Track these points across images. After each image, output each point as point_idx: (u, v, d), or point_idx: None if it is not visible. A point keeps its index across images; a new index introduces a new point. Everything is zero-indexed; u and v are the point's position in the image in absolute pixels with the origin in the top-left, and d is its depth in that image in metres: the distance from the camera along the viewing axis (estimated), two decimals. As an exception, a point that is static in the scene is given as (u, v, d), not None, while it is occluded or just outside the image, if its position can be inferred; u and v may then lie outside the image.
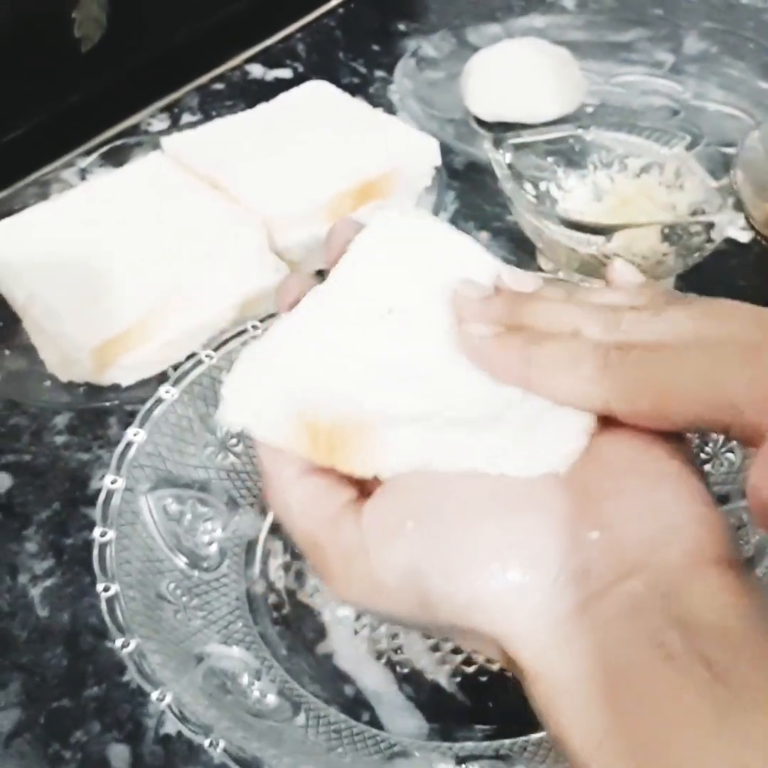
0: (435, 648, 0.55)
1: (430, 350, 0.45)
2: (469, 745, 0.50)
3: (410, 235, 0.51)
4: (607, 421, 0.41)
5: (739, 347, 0.39)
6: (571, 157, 0.79)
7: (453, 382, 0.44)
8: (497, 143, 0.76)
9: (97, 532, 0.51)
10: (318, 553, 0.42)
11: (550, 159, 0.79)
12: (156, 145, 0.84)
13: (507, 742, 0.49)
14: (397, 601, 0.40)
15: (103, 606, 0.48)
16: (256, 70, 1.08)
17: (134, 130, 0.99)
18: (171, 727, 0.54)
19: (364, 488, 0.42)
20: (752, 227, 0.70)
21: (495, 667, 0.54)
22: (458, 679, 0.54)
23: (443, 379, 0.44)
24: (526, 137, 0.78)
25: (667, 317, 0.42)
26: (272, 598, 0.58)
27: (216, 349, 0.59)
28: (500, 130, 0.88)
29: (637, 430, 0.41)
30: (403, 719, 0.52)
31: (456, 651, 0.55)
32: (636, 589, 0.36)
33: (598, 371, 0.41)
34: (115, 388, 0.69)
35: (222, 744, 0.43)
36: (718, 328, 0.40)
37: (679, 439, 0.42)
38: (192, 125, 0.88)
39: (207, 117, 0.98)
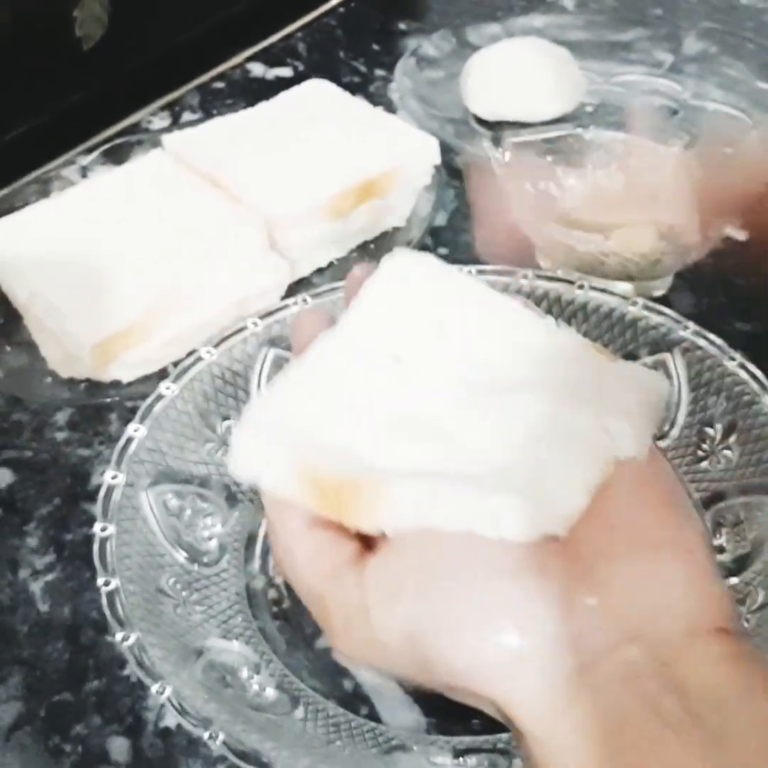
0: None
1: (437, 400, 0.46)
2: (467, 739, 0.50)
3: (419, 280, 0.51)
4: (612, 479, 0.42)
5: None
6: (570, 156, 0.79)
7: (458, 434, 0.44)
8: (497, 142, 0.77)
9: (97, 527, 0.51)
10: (320, 608, 0.42)
11: (549, 158, 0.79)
12: (157, 144, 0.84)
13: (504, 736, 0.49)
14: (397, 661, 0.40)
15: (104, 600, 0.48)
16: (257, 69, 1.08)
17: (135, 128, 0.99)
18: (171, 720, 0.54)
19: (369, 541, 0.43)
20: (751, 225, 0.70)
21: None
22: (456, 673, 0.54)
23: (448, 431, 0.44)
24: (526, 136, 0.78)
25: None
26: (272, 593, 0.58)
27: (216, 346, 0.60)
28: (500, 129, 0.89)
29: (644, 491, 0.42)
30: (401, 713, 0.52)
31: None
32: (633, 657, 0.36)
33: None
34: (116, 384, 0.70)
35: (221, 736, 0.44)
36: None
37: (686, 503, 0.43)
38: (192, 124, 0.88)
39: (208, 115, 0.98)
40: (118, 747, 0.54)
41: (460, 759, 0.49)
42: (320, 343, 0.48)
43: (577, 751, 0.35)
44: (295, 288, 0.76)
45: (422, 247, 0.81)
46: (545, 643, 0.37)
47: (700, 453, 0.59)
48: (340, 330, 0.49)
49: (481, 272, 0.63)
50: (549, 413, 0.44)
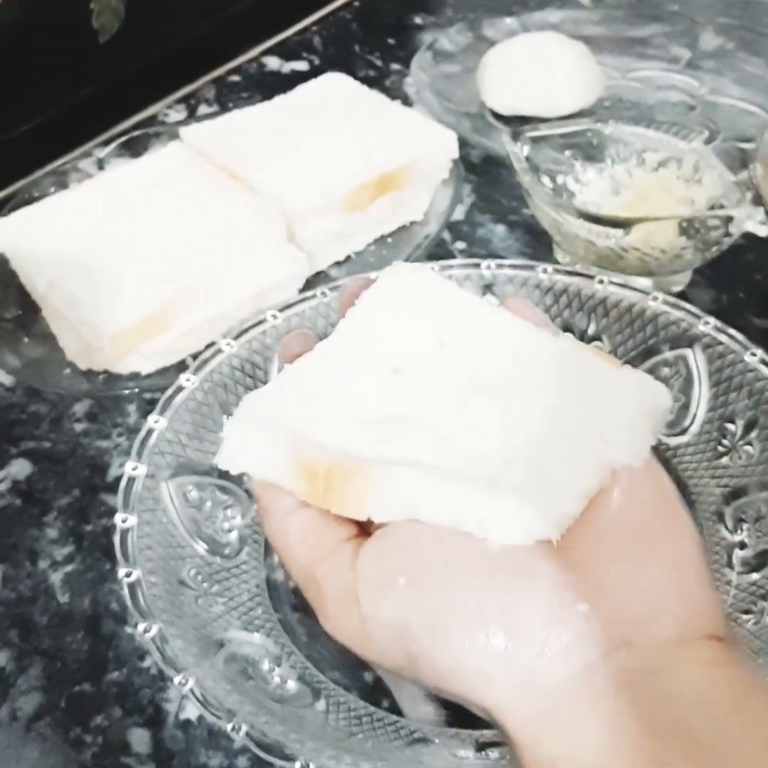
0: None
1: (432, 403, 0.45)
2: (489, 732, 0.50)
3: (418, 292, 0.51)
4: (607, 486, 0.41)
5: None
6: (589, 150, 0.79)
7: (452, 435, 0.43)
8: (515, 136, 0.76)
9: (118, 518, 0.51)
10: (313, 589, 0.42)
11: (568, 152, 0.79)
12: (174, 136, 0.84)
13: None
14: (385, 655, 0.40)
15: (126, 591, 0.48)
16: (273, 63, 1.08)
17: (151, 121, 0.99)
18: (191, 711, 0.54)
19: (362, 527, 0.42)
20: (772, 222, 0.70)
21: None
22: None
23: (443, 432, 0.44)
24: (545, 130, 0.78)
25: None
26: (292, 586, 0.58)
27: (235, 338, 0.59)
28: (516, 123, 0.89)
29: (638, 499, 0.41)
30: (421, 705, 0.52)
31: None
32: (624, 665, 0.36)
33: None
34: (134, 376, 0.70)
35: (244, 728, 0.44)
36: None
37: (680, 512, 0.42)
38: (209, 117, 0.89)
39: (224, 109, 0.98)
40: (139, 738, 0.54)
41: (483, 752, 0.48)
42: (315, 350, 0.48)
43: (569, 760, 0.35)
44: (312, 281, 0.76)
45: (440, 241, 0.81)
46: (533, 649, 0.37)
47: (720, 449, 0.59)
48: (335, 339, 0.49)
49: (500, 267, 0.63)
50: (545, 418, 0.44)
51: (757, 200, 0.69)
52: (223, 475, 0.58)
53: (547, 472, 0.41)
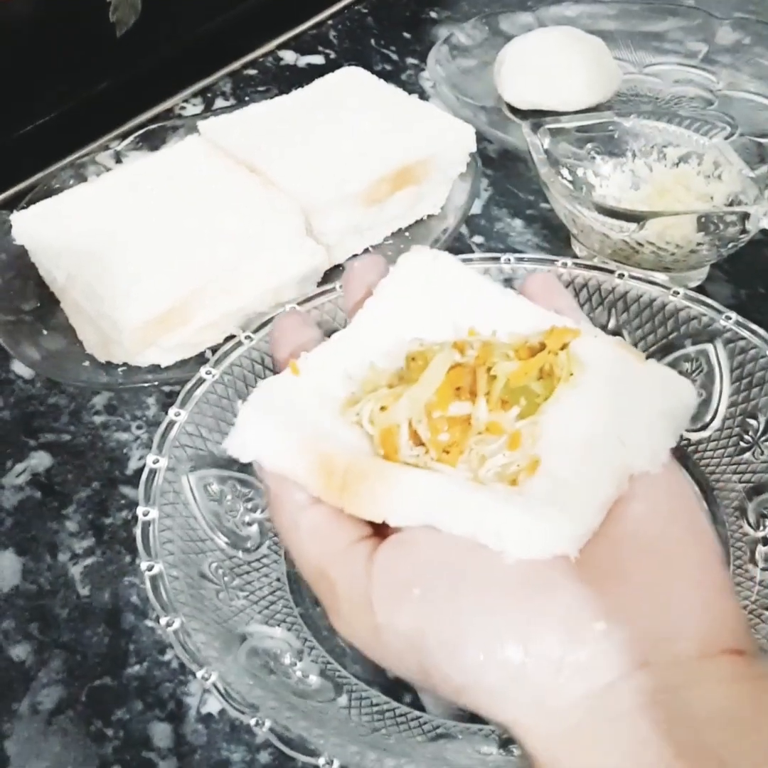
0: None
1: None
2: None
3: (435, 279, 0.51)
4: (626, 494, 0.40)
5: None
6: (609, 144, 0.79)
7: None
8: (535, 127, 0.76)
9: (140, 510, 0.51)
10: (325, 587, 0.41)
11: (589, 145, 0.79)
12: (192, 129, 0.84)
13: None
14: (399, 663, 0.39)
15: (147, 584, 0.48)
16: (289, 56, 1.08)
17: (167, 114, 0.99)
18: (213, 705, 0.54)
19: (376, 529, 0.41)
20: (789, 220, 0.70)
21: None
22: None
23: None
24: (565, 123, 0.78)
25: None
26: (311, 580, 0.58)
27: (255, 332, 0.59)
28: (533, 118, 0.88)
29: (657, 508, 0.40)
30: (444, 700, 0.52)
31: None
32: (644, 685, 0.35)
33: None
34: (154, 368, 0.69)
35: (268, 723, 0.43)
36: None
37: (701, 520, 0.41)
38: (225, 110, 0.88)
39: (240, 102, 0.98)
40: (160, 732, 0.54)
41: (506, 748, 0.48)
42: (332, 340, 0.48)
43: None
44: (330, 275, 0.76)
45: (457, 235, 0.81)
46: (549, 667, 0.36)
47: (742, 444, 0.58)
48: (353, 330, 0.48)
49: (519, 260, 0.62)
50: (563, 418, 0.43)
51: (774, 198, 0.69)
52: (244, 468, 0.58)
53: (565, 480, 0.40)
